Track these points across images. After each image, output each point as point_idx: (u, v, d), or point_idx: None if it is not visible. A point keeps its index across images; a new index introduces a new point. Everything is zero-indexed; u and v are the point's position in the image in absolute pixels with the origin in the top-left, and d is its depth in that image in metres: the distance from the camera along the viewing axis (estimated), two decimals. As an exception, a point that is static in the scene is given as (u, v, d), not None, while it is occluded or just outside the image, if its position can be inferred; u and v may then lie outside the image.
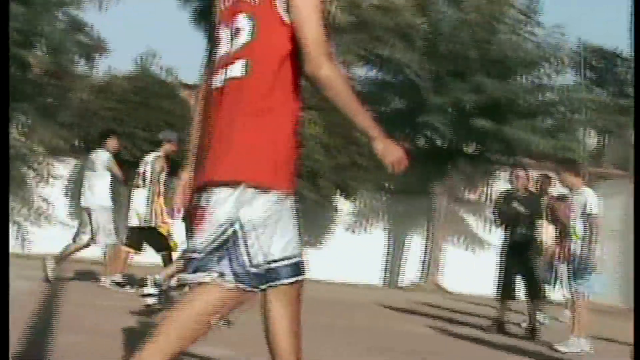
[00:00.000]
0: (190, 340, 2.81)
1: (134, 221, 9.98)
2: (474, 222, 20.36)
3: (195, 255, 2.86)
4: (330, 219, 19.09)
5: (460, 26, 17.22)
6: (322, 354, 6.22)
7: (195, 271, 2.85)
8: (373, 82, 18.97)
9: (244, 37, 2.88)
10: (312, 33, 2.83)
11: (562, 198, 9.55)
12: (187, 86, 17.57)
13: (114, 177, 10.48)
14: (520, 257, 9.18)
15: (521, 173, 9.65)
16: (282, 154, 2.89)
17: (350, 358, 6.38)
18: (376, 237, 19.07)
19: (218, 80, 2.94)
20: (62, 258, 9.96)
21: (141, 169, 10.06)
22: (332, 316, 9.42)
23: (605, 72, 31.44)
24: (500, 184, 20.40)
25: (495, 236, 19.41)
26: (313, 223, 18.43)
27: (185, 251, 2.65)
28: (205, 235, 2.84)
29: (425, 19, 17.78)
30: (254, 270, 2.85)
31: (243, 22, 2.89)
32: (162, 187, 9.84)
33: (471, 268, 19.03)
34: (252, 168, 2.83)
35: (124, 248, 10.03)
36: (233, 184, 2.83)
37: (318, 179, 16.97)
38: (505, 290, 9.27)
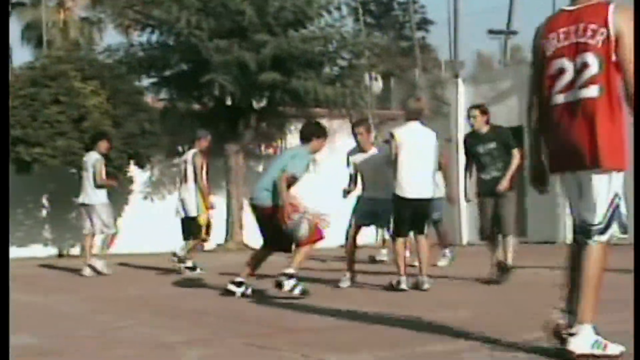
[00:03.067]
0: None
1: (181, 213, 11.56)
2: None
3: (597, 226, 4.14)
4: (127, 190, 18.59)
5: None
6: (123, 325, 6.17)
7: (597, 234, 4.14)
8: (154, 47, 18.49)
9: (594, 69, 4.10)
10: (631, 70, 4.06)
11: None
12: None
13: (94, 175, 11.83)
14: (495, 197, 8.94)
15: (475, 112, 9.13)
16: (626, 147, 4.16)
17: (144, 324, 6.18)
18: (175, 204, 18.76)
19: (567, 97, 4.20)
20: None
21: (182, 167, 11.64)
22: (141, 287, 9.79)
23: (383, 16, 32.52)
24: (294, 137, 20.66)
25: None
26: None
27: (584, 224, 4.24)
28: (601, 209, 4.13)
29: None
30: None
31: (590, 58, 4.11)
32: (204, 181, 11.31)
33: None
34: (619, 158, 4.12)
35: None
36: (603, 169, 4.10)
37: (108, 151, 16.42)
38: (486, 232, 9.14)
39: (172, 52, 18.12)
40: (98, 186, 11.78)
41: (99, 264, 11.64)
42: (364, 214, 9.06)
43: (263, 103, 18.82)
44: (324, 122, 21.35)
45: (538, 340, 4.61)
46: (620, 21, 4.09)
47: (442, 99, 21.06)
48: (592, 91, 4.12)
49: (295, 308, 7.06)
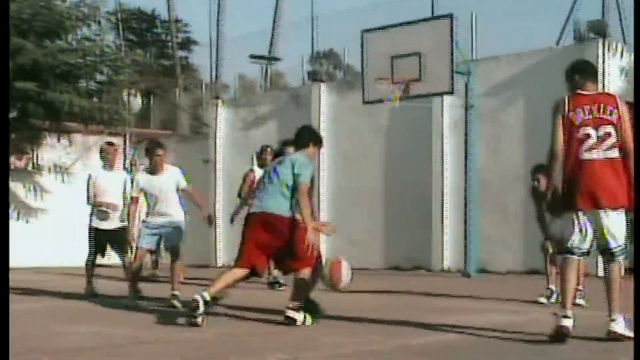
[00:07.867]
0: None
1: None
2: (23, 192, 19.55)
3: (619, 248, 6.01)
4: None
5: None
6: None
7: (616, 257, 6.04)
8: None
9: (614, 138, 6.01)
10: (630, 136, 6.05)
11: None
12: None
13: None
14: None
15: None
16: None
17: None
18: None
19: (594, 155, 6.02)
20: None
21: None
22: None
23: (145, 34, 32.16)
24: (47, 150, 19.84)
25: (48, 203, 19.04)
26: None
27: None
28: (623, 235, 6.02)
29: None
30: None
31: (611, 130, 6.02)
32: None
33: (25, 238, 18.34)
34: (630, 200, 5.97)
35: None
36: (622, 207, 6.01)
37: None
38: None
39: None
40: None
41: None
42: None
43: (14, 114, 17.89)
44: (78, 137, 20.84)
45: None
46: (623, 107, 6.09)
47: (202, 119, 21.13)
48: (615, 153, 6.00)
49: (57, 330, 6.85)
